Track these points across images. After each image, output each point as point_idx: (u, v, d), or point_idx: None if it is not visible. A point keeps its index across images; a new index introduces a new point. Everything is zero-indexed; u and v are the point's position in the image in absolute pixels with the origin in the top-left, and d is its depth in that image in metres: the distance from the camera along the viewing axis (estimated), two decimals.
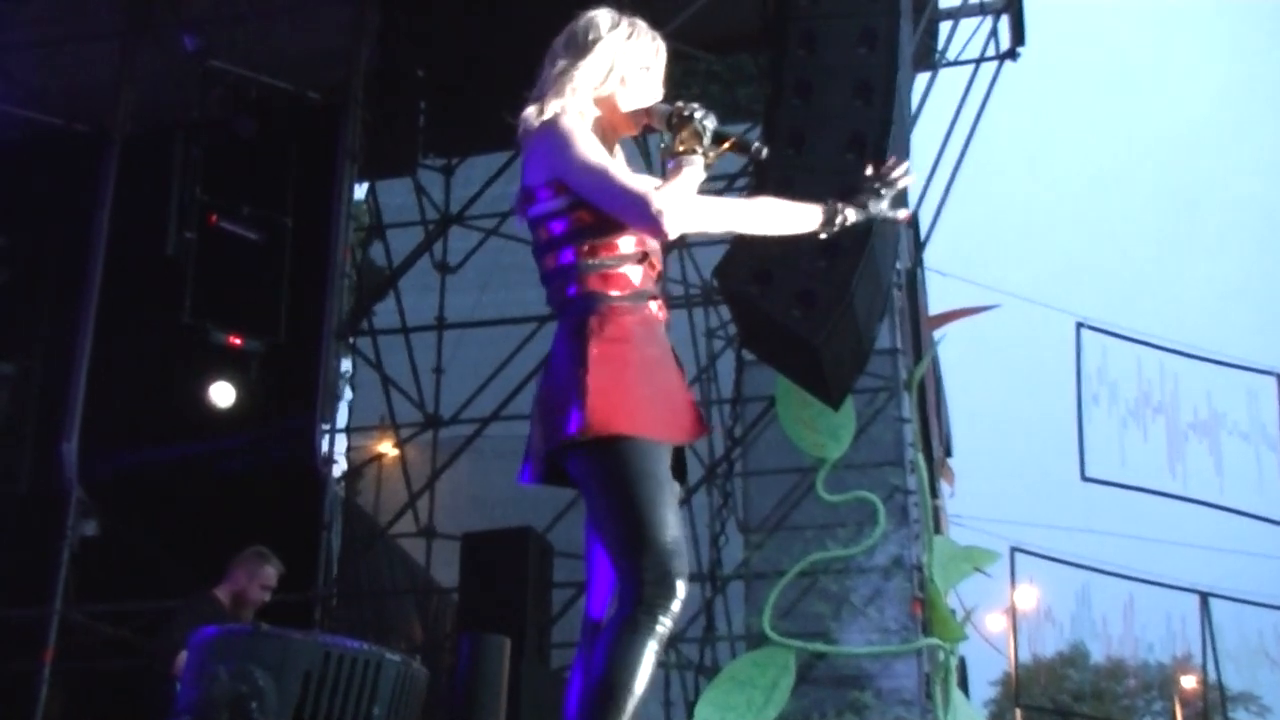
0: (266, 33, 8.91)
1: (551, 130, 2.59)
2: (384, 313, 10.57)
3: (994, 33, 9.29)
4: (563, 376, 2.52)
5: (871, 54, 5.94)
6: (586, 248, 2.57)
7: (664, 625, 2.36)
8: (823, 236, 2.78)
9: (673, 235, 2.48)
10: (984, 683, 28.53)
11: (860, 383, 7.00)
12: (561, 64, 2.68)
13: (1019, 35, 9.27)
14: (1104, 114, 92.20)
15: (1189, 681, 21.51)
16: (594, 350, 2.49)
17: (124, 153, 9.01)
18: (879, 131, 5.87)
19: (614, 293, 2.56)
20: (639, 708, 2.34)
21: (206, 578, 5.71)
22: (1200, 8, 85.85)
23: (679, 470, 2.61)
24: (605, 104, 2.68)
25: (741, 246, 5.99)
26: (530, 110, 2.67)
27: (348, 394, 11.22)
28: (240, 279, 8.59)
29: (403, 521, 9.96)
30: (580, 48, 2.69)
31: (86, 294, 8.76)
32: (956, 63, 9.26)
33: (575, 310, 2.56)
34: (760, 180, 6.07)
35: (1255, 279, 78.53)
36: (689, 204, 2.51)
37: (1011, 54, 9.26)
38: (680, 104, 2.60)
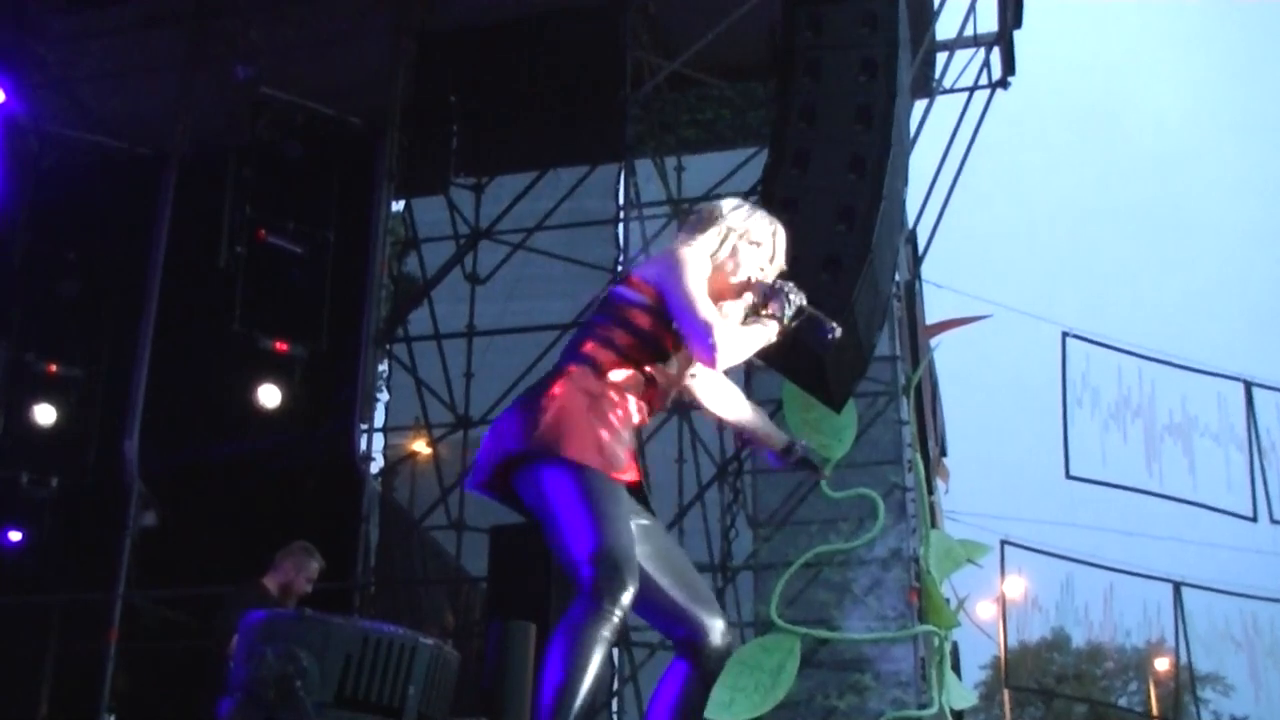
0: (312, 63, 8.93)
1: (675, 250, 2.77)
2: (418, 321, 10.55)
3: (986, 63, 9.26)
4: (524, 400, 2.68)
5: (872, 82, 5.91)
6: (625, 338, 2.71)
7: (615, 615, 2.43)
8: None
9: (718, 367, 2.66)
10: (975, 666, 28.36)
11: (861, 387, 6.95)
12: (682, 235, 2.86)
13: (1010, 66, 9.24)
14: (1087, 140, 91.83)
15: (1162, 664, 21.37)
16: (562, 387, 2.65)
17: (181, 174, 9.05)
18: (878, 154, 5.84)
19: (611, 374, 2.69)
20: (595, 685, 2.42)
21: (255, 565, 5.71)
22: (1171, 45, 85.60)
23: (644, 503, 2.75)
24: (717, 271, 2.80)
25: None
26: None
27: (384, 396, 11.20)
28: (286, 289, 8.60)
29: (435, 515, 9.94)
30: (702, 223, 2.85)
31: (146, 304, 8.79)
32: (952, 90, 9.21)
33: (568, 359, 2.72)
34: (768, 198, 6.05)
35: (1226, 292, 78.18)
36: (740, 349, 2.67)
37: (1003, 83, 9.22)
38: (777, 280, 2.77)
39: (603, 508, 2.49)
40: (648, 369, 2.72)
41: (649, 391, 2.74)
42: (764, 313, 2.73)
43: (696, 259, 2.74)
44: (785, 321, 2.70)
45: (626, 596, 2.42)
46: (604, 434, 2.60)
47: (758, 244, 2.85)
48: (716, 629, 2.65)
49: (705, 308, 2.64)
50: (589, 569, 2.43)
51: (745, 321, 2.79)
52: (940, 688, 6.48)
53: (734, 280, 2.81)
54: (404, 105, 9.16)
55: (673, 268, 2.70)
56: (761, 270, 2.84)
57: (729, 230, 2.84)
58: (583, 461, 2.53)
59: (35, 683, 8.28)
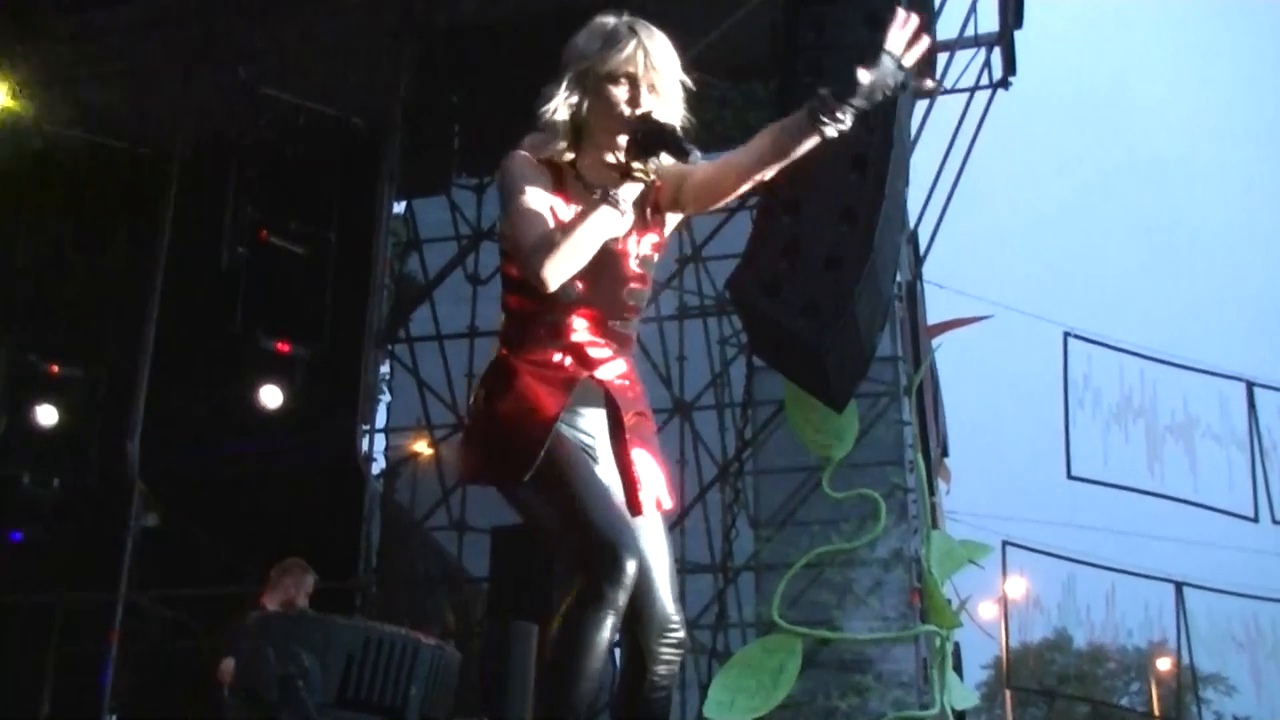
0: (314, 63, 8.93)
1: (500, 174, 2.35)
2: (420, 321, 10.56)
3: (987, 63, 9.23)
4: (474, 415, 2.44)
5: None
6: (510, 296, 2.42)
7: (618, 596, 2.20)
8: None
9: (551, 284, 2.23)
10: (977, 666, 28.34)
11: (863, 387, 6.96)
12: (550, 89, 2.37)
13: (1010, 66, 9.22)
14: (1089, 140, 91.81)
15: (1164, 664, 21.36)
16: (476, 403, 2.41)
17: (182, 174, 9.05)
18: (879, 154, 5.85)
19: (518, 346, 2.38)
20: (597, 674, 2.26)
21: (256, 566, 5.72)
22: (1172, 46, 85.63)
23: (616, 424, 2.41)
24: (581, 125, 2.35)
25: (753, 260, 5.96)
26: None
27: (386, 397, 11.21)
28: (288, 290, 8.61)
29: (436, 515, 9.95)
30: (561, 69, 2.36)
31: (148, 304, 8.79)
32: (953, 90, 9.20)
33: (498, 349, 2.45)
34: (770, 199, 6.04)
35: (1228, 292, 78.15)
36: (570, 258, 2.22)
37: (1004, 83, 9.19)
38: (637, 116, 2.28)
39: (573, 496, 2.27)
40: (547, 309, 2.35)
41: (580, 318, 2.37)
42: (624, 160, 2.25)
43: (514, 165, 2.30)
44: (638, 169, 2.23)
45: (627, 574, 2.20)
46: (525, 433, 2.30)
47: (624, 76, 2.31)
48: (668, 623, 2.41)
49: (518, 224, 2.25)
50: (583, 551, 2.24)
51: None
52: (942, 688, 6.48)
53: (607, 133, 2.31)
54: (405, 105, 9.15)
55: (503, 197, 2.32)
56: (632, 108, 2.30)
57: (582, 73, 2.32)
58: (524, 477, 2.29)
59: (36, 683, 8.28)
